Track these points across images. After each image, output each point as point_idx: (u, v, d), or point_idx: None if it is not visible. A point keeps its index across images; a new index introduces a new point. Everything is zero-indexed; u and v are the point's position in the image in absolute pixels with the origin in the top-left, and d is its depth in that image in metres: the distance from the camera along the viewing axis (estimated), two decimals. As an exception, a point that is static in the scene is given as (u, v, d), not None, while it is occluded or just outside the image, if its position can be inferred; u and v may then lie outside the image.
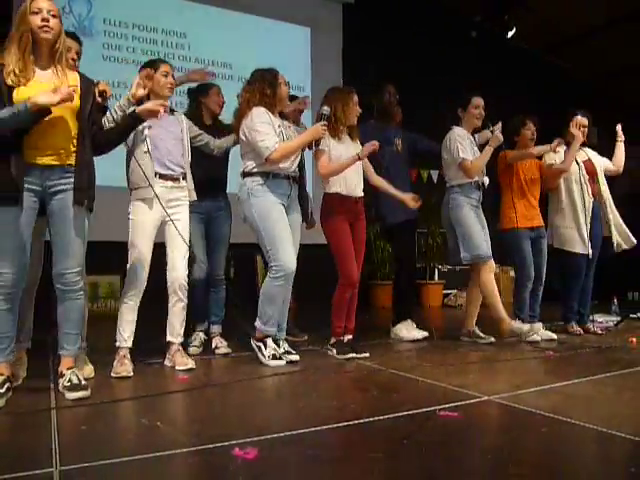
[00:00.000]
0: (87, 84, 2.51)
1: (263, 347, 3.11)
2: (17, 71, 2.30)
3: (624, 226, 4.28)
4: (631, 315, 5.02)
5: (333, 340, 3.42)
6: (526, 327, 3.75)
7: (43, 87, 2.32)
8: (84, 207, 2.44)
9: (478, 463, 1.70)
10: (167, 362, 3.03)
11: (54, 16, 2.36)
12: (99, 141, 2.56)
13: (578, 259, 4.13)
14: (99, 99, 2.62)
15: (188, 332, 3.29)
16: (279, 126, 3.18)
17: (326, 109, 3.23)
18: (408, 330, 3.99)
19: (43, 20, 2.32)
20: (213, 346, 3.50)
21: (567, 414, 2.04)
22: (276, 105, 3.23)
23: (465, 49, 7.54)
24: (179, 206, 3.06)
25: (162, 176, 3.01)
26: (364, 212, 3.54)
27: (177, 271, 3.02)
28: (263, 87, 3.17)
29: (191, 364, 2.95)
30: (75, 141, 2.43)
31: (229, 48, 6.45)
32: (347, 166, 3.33)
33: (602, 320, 4.91)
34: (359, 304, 3.56)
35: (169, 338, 3.04)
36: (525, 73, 8.05)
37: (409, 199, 3.61)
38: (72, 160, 2.41)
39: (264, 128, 3.09)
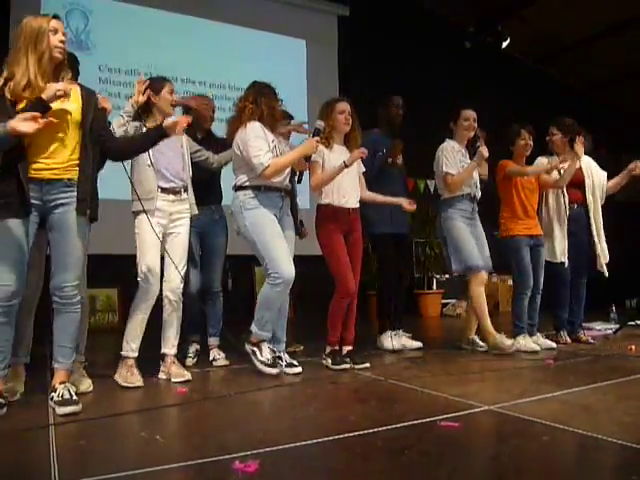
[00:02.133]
0: (88, 95, 2.53)
1: (258, 352, 3.09)
2: (32, 84, 2.33)
3: (605, 245, 4.26)
4: (629, 323, 5.02)
5: (328, 350, 3.39)
6: (508, 342, 3.69)
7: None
8: (86, 218, 2.46)
9: (480, 473, 1.70)
10: (162, 375, 3.02)
11: (65, 38, 2.45)
12: (120, 148, 2.66)
13: (555, 268, 4.12)
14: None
15: (182, 343, 3.26)
16: (273, 141, 3.17)
17: (319, 123, 3.22)
18: (395, 340, 4.00)
19: (61, 42, 2.41)
20: (211, 358, 3.50)
21: (568, 423, 2.03)
22: (273, 123, 3.22)
23: (460, 60, 7.60)
24: (180, 219, 3.09)
25: (164, 190, 3.03)
26: (359, 223, 3.52)
27: (171, 282, 3.03)
28: (270, 102, 3.17)
29: (188, 376, 2.94)
30: (77, 154, 2.45)
31: (224, 61, 6.49)
32: (335, 175, 3.29)
33: (601, 328, 4.91)
34: (358, 315, 3.55)
35: (164, 350, 3.04)
36: (520, 83, 8.11)
37: (404, 202, 3.59)
38: (72, 174, 2.43)
39: (259, 143, 3.07)
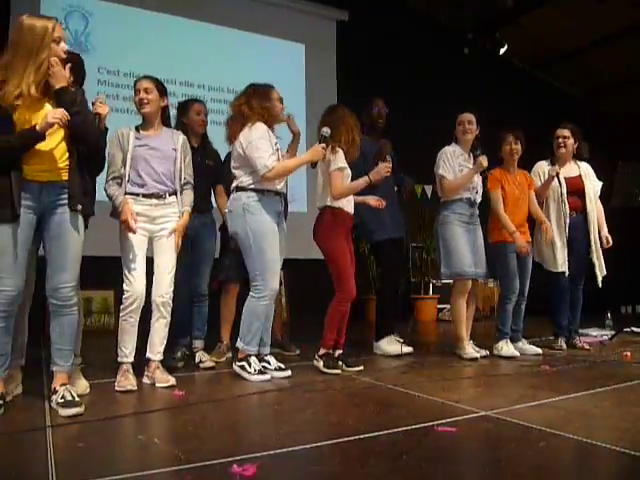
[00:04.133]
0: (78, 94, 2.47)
1: (247, 365, 3.08)
2: (28, 93, 2.28)
3: (602, 260, 4.27)
4: (625, 329, 5.04)
5: (322, 351, 3.34)
6: (470, 352, 3.71)
7: (44, 107, 2.35)
8: (78, 216, 2.44)
9: (477, 478, 1.70)
10: (145, 379, 2.99)
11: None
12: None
13: (555, 277, 4.14)
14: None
15: (170, 346, 3.23)
16: (276, 144, 3.16)
17: (326, 130, 3.18)
18: (390, 345, 3.99)
19: (64, 52, 2.37)
20: (197, 360, 3.49)
21: (565, 429, 2.04)
22: (272, 122, 3.21)
23: (458, 66, 7.62)
24: (167, 222, 3.02)
25: (145, 195, 2.99)
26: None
27: (160, 287, 2.97)
28: (261, 103, 3.14)
29: (172, 381, 2.91)
30: (68, 155, 2.43)
31: (223, 64, 6.51)
32: (358, 189, 3.35)
33: (596, 334, 4.93)
34: (353, 319, 3.56)
35: (148, 355, 3.00)
36: (518, 89, 8.14)
37: (371, 200, 3.56)
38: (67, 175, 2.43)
39: (263, 145, 3.05)
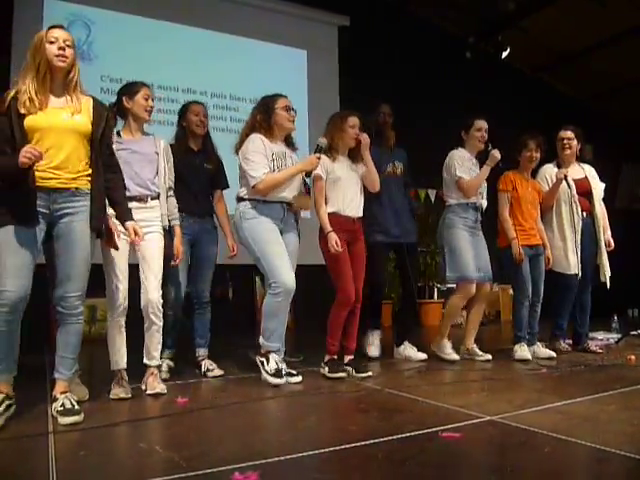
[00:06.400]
0: (100, 109, 2.55)
1: (265, 362, 3.11)
2: (33, 99, 2.33)
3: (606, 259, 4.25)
4: (632, 332, 5.00)
5: (327, 358, 3.38)
6: (449, 350, 3.76)
7: (58, 114, 2.38)
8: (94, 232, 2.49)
9: (482, 485, 1.68)
10: (143, 385, 2.96)
11: (69, 46, 2.43)
12: None
13: (566, 278, 4.12)
14: None
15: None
16: (273, 154, 3.17)
17: (322, 141, 3.24)
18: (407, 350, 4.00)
19: (60, 49, 2.39)
20: (204, 369, 3.42)
21: (570, 433, 2.02)
22: (272, 131, 3.22)
23: (460, 69, 7.62)
24: (149, 227, 2.96)
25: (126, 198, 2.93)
26: (362, 233, 3.53)
27: (148, 293, 2.92)
28: (256, 112, 3.24)
29: (158, 389, 2.87)
30: (87, 165, 2.46)
31: (226, 71, 6.51)
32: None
33: (603, 337, 4.90)
34: (360, 324, 3.55)
35: (144, 360, 2.99)
36: (520, 92, 8.13)
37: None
38: (79, 183, 2.44)
39: (254, 157, 3.13)
